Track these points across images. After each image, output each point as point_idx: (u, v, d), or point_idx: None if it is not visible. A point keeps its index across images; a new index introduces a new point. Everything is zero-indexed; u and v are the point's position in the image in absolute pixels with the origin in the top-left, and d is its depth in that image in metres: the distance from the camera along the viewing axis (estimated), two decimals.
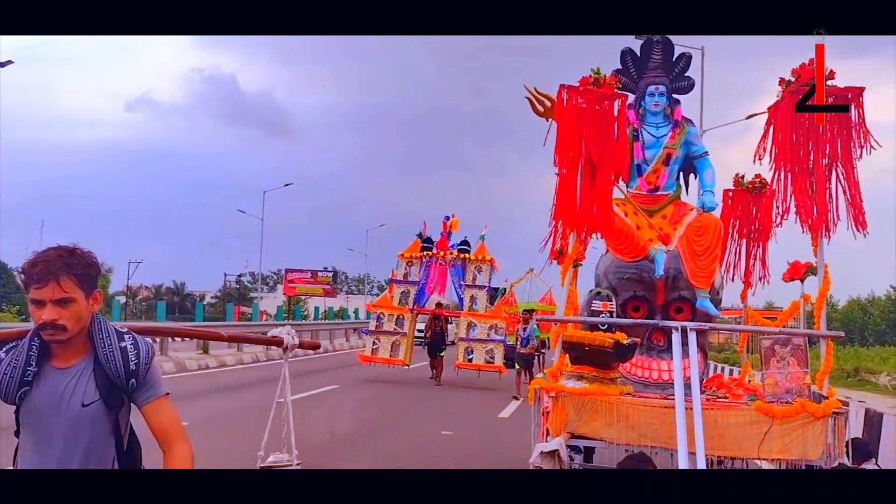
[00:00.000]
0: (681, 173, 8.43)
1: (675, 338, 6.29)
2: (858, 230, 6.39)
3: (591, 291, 7.11)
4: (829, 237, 6.47)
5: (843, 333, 7.12)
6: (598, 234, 7.49)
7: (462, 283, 19.86)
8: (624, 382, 6.90)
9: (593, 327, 6.63)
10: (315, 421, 12.15)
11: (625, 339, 6.35)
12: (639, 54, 8.32)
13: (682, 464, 5.57)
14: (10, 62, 22.30)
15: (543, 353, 19.24)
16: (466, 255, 19.91)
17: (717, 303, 8.11)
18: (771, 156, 6.53)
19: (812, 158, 6.24)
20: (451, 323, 23.89)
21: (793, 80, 6.27)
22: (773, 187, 6.98)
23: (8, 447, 7.21)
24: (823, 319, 6.50)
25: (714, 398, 7.04)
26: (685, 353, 6.38)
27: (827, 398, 6.06)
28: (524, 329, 17.00)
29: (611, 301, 6.88)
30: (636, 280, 7.84)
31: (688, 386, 6.05)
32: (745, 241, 8.89)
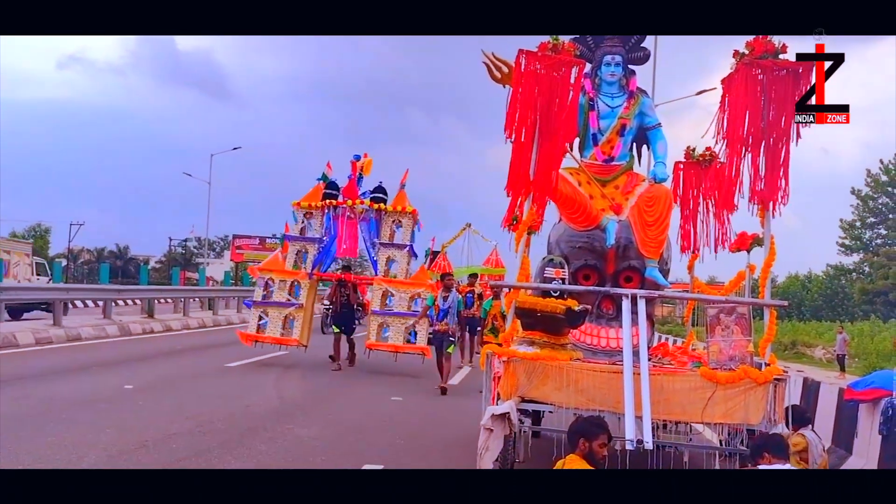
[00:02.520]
0: (633, 144, 8.53)
1: (625, 305, 6.43)
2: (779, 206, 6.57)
3: (543, 259, 7.17)
4: (780, 209, 6.60)
5: (786, 302, 7.32)
6: (551, 201, 7.55)
7: (376, 240, 15.21)
8: (574, 348, 7.00)
9: (545, 294, 6.69)
10: (265, 386, 12.07)
11: (576, 306, 6.42)
12: None
13: (629, 427, 5.71)
14: None
15: (479, 332, 15.83)
16: (382, 205, 15.24)
17: (665, 273, 8.27)
18: (723, 127, 6.62)
19: (764, 131, 6.35)
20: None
21: (746, 52, 6.34)
22: (723, 160, 7.08)
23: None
24: (768, 289, 6.67)
25: (660, 365, 7.19)
26: (634, 321, 6.51)
27: (769, 365, 6.23)
28: (444, 299, 12.52)
29: (563, 268, 6.94)
30: (587, 249, 7.94)
31: (636, 353, 6.18)
32: (696, 211, 9.05)
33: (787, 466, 5.01)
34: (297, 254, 15.48)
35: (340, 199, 15.44)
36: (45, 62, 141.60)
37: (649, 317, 8.11)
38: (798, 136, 6.45)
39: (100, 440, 7.69)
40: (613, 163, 8.33)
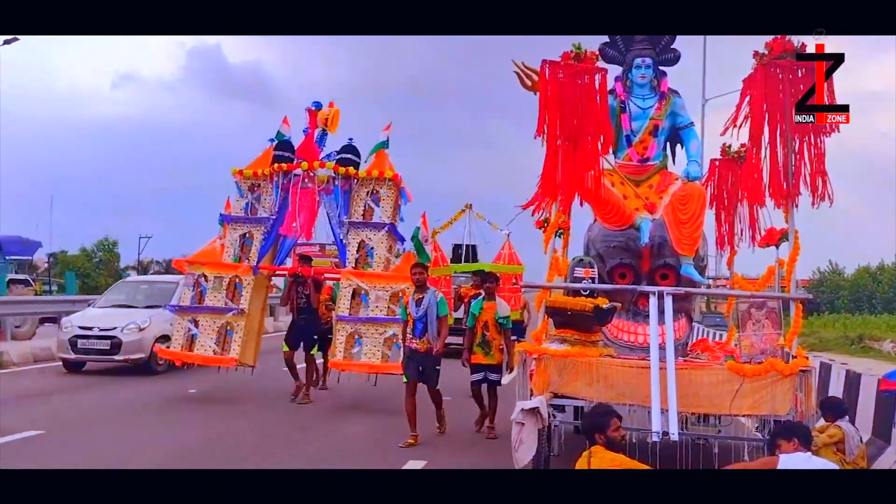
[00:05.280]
0: (667, 143, 8.70)
1: (653, 302, 6.63)
2: (824, 200, 6.68)
3: (573, 259, 7.41)
4: (796, 205, 6.76)
5: (810, 295, 7.42)
6: (585, 203, 7.79)
7: (344, 219, 11.03)
8: (605, 345, 7.22)
9: (576, 293, 6.94)
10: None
11: (604, 304, 6.65)
12: None
13: (655, 419, 5.92)
14: (15, 38, 22.59)
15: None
16: (352, 169, 11.08)
17: (701, 269, 8.40)
18: (740, 126, 6.81)
19: (781, 130, 6.50)
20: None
21: (766, 52, 6.50)
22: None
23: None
24: (793, 283, 6.79)
25: (693, 360, 7.36)
26: (664, 317, 6.71)
27: (796, 358, 6.36)
28: (417, 303, 8.54)
29: (592, 268, 7.17)
30: (622, 248, 8.13)
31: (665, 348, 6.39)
32: (732, 208, 9.16)
33: (809, 455, 5.16)
34: (240, 240, 11.46)
35: (295, 161, 11.33)
36: (100, 82, 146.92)
37: (686, 312, 8.26)
38: (830, 129, 6.57)
39: (167, 439, 8.24)
40: (648, 163, 8.50)
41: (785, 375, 6.08)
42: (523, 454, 6.17)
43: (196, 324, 11.20)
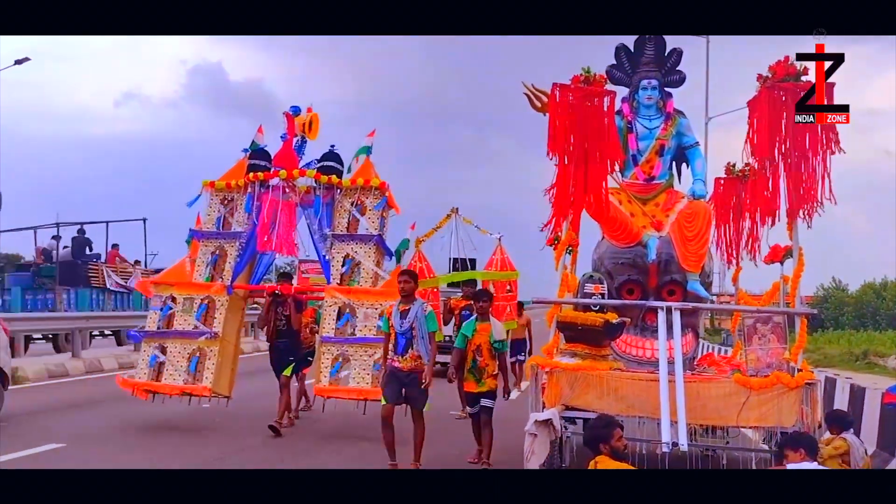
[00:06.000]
0: (673, 163, 8.92)
1: (661, 317, 6.83)
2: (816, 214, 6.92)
3: (584, 275, 7.61)
4: (809, 223, 6.97)
5: (815, 310, 7.62)
6: (593, 220, 8.00)
7: (327, 231, 10.18)
8: (615, 359, 7.41)
9: (586, 308, 7.14)
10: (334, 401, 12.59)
11: (614, 319, 6.85)
12: (632, 50, 8.79)
13: (665, 430, 6.10)
14: (27, 59, 22.95)
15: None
16: (335, 178, 10.27)
17: (707, 285, 8.59)
18: (748, 148, 7.02)
19: (786, 150, 6.72)
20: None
21: (769, 76, 6.73)
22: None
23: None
24: (798, 299, 6.98)
25: (700, 373, 7.54)
26: (672, 332, 6.90)
27: (801, 371, 6.54)
28: (402, 315, 7.65)
29: (602, 284, 7.37)
30: (630, 264, 8.33)
31: (673, 361, 6.58)
32: (736, 225, 9.37)
33: (815, 465, 5.33)
34: (211, 257, 10.44)
35: (272, 170, 10.30)
36: (103, 100, 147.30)
37: (693, 328, 8.44)
38: (831, 148, 6.80)
39: (182, 454, 8.40)
40: (654, 182, 8.72)
41: (791, 388, 6.26)
42: (535, 465, 6.34)
43: (163, 350, 10.15)
